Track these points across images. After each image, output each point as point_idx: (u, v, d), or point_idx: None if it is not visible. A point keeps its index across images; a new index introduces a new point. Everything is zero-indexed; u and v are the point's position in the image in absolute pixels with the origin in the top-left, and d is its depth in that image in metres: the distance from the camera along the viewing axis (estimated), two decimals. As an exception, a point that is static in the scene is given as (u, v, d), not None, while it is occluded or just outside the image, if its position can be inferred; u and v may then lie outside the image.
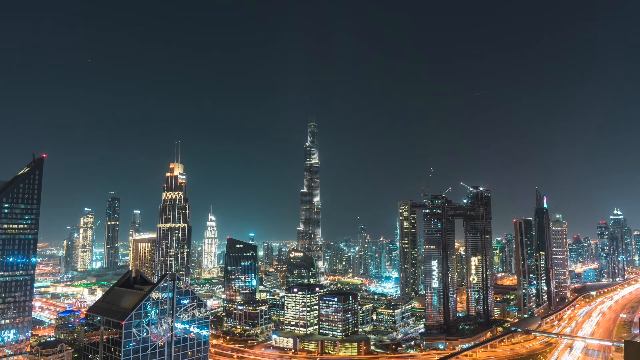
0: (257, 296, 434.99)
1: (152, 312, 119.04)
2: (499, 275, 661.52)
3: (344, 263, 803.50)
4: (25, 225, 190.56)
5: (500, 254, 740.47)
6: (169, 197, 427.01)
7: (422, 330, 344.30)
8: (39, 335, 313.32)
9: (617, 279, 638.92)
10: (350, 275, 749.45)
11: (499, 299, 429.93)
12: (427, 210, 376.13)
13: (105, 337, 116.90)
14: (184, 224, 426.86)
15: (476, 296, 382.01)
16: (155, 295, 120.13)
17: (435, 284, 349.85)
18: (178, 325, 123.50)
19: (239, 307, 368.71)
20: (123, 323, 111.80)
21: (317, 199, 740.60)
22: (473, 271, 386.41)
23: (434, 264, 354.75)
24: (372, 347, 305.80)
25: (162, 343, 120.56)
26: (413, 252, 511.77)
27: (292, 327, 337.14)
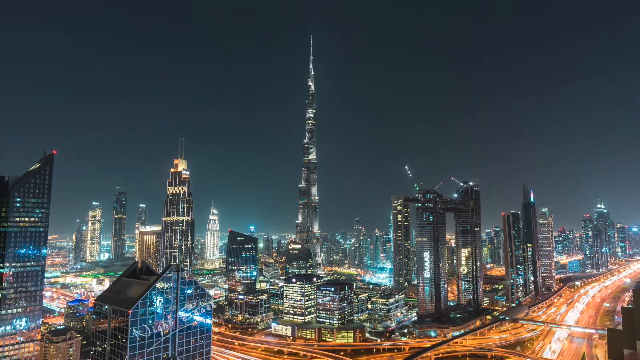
0: (257, 286, 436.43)
1: (157, 301, 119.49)
2: (488, 266, 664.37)
3: (340, 254, 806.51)
4: (36, 219, 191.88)
5: (489, 245, 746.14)
6: (173, 192, 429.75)
7: (415, 318, 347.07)
8: (50, 323, 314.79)
9: (600, 270, 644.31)
10: (346, 266, 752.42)
11: (488, 288, 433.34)
12: (420, 204, 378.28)
13: (112, 325, 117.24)
14: (187, 217, 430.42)
15: (466, 286, 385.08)
16: (160, 285, 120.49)
17: (427, 274, 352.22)
18: (182, 313, 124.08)
19: (240, 297, 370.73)
20: (129, 312, 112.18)
21: (314, 193, 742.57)
22: (463, 262, 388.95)
23: (426, 255, 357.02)
24: (367, 335, 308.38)
25: (167, 331, 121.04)
26: (406, 244, 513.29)
27: (291, 316, 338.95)
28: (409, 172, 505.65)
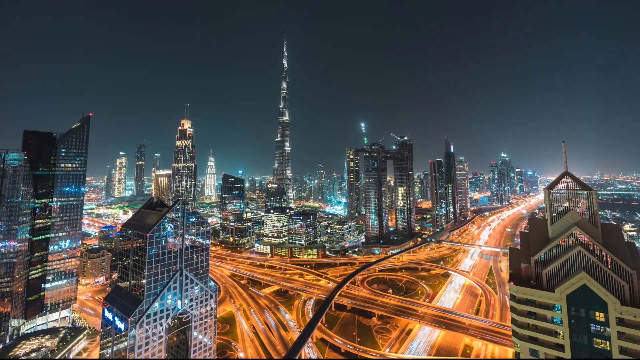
0: (244, 216, 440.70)
1: (169, 227, 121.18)
2: (419, 200, 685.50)
3: (306, 192, 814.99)
4: (77, 165, 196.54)
5: (420, 185, 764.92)
6: (181, 144, 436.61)
7: (363, 240, 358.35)
8: (87, 243, 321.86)
9: (504, 203, 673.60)
10: (312, 200, 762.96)
11: (418, 217, 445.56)
12: (367, 154, 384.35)
13: (134, 245, 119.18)
14: (191, 164, 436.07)
15: (402, 216, 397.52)
16: (170, 215, 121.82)
17: (372, 206, 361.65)
18: (187, 236, 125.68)
19: (231, 224, 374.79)
20: (147, 235, 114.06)
21: (287, 145, 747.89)
22: (400, 198, 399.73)
23: (372, 192, 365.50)
24: (327, 252, 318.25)
25: (176, 249, 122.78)
26: (357, 184, 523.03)
27: (269, 238, 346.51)
28: (363, 128, 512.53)
